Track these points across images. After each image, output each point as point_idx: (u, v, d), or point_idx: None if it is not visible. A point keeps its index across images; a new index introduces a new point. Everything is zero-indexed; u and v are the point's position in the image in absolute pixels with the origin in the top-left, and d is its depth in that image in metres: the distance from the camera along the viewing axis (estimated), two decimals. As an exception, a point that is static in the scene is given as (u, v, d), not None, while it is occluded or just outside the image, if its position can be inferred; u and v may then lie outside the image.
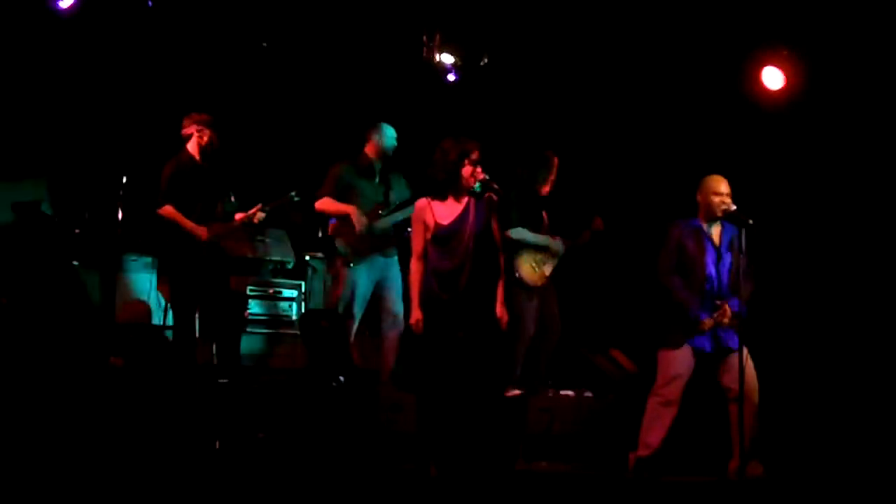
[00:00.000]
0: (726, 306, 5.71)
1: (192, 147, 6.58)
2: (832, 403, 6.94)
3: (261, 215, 6.60)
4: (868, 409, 6.82)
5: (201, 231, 6.46)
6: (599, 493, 5.57)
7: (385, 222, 6.86)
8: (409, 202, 6.78)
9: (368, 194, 6.92)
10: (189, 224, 6.46)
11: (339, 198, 6.87)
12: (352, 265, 6.83)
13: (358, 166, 6.97)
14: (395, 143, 6.98)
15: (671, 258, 5.81)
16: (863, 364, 7.16)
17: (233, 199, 6.73)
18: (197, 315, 6.65)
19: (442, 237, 5.36)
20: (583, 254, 7.42)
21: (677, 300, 5.73)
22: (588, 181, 9.03)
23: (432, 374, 5.32)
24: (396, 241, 7.03)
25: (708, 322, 5.68)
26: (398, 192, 6.98)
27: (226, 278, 6.81)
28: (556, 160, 7.25)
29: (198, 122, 6.55)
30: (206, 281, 6.50)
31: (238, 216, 6.64)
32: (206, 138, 6.53)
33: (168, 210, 6.48)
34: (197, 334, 6.66)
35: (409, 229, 5.72)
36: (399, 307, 6.88)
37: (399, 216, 6.84)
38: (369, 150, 6.99)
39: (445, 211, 5.40)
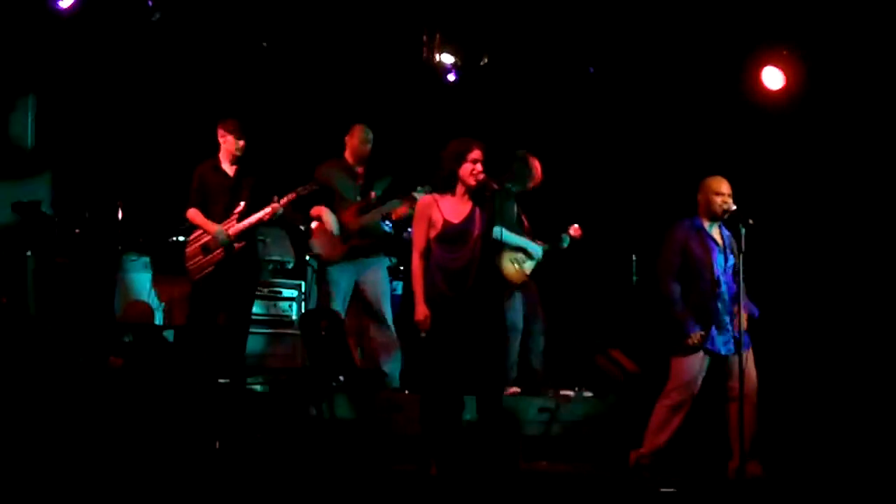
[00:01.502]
0: (745, 315, 5.68)
1: (221, 153, 6.66)
2: (832, 403, 6.94)
3: (277, 206, 6.58)
4: (868, 409, 6.82)
5: (211, 227, 6.49)
6: (599, 493, 5.57)
7: (364, 221, 6.86)
8: (388, 199, 6.82)
9: (349, 196, 6.95)
10: (204, 223, 6.52)
11: (320, 201, 6.91)
12: (328, 266, 6.88)
13: (339, 169, 7.01)
14: (370, 144, 7.01)
15: (674, 262, 5.73)
16: (863, 364, 7.16)
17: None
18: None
19: (451, 236, 5.34)
20: (569, 256, 7.42)
21: (674, 315, 5.69)
22: (587, 181, 9.04)
23: (438, 373, 5.31)
24: (382, 242, 7.05)
25: (695, 337, 5.65)
26: (381, 191, 7.01)
27: (251, 281, 6.79)
28: (535, 161, 7.22)
29: (224, 129, 6.63)
30: (228, 283, 6.51)
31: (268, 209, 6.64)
32: (231, 145, 6.60)
33: (190, 213, 6.58)
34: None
35: (410, 229, 5.71)
36: (383, 309, 6.89)
37: (376, 216, 6.86)
38: (347, 152, 7.06)
39: (453, 209, 5.39)
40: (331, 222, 6.82)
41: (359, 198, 6.99)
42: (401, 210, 6.84)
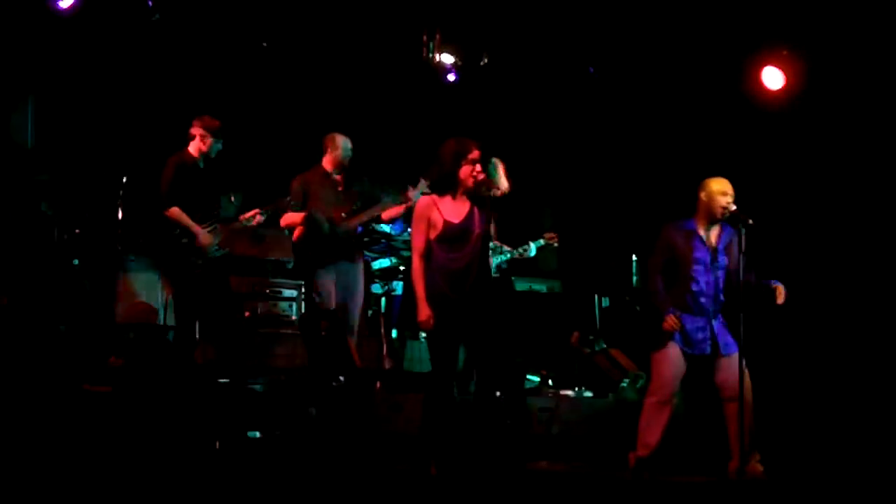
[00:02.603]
0: (780, 287, 5.68)
1: (192, 148, 6.61)
2: (832, 403, 6.94)
3: (259, 218, 6.63)
4: (868, 410, 6.82)
5: (205, 237, 6.48)
6: (599, 493, 5.57)
7: (348, 225, 6.87)
8: (374, 204, 6.83)
9: (330, 202, 6.94)
10: (196, 228, 6.49)
11: (302, 209, 6.91)
12: (314, 269, 6.87)
13: (317, 177, 7.00)
14: (350, 153, 7.01)
15: (658, 259, 5.83)
16: (862, 364, 7.16)
17: (232, 199, 6.74)
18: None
19: (452, 236, 5.34)
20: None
21: (655, 304, 5.74)
22: (587, 181, 9.05)
23: (440, 373, 5.30)
24: (362, 247, 7.07)
25: (670, 320, 5.66)
26: (363, 197, 7.02)
27: (227, 279, 6.83)
28: (504, 168, 7.18)
29: (204, 128, 6.58)
30: (210, 282, 6.51)
31: (242, 217, 6.66)
32: (206, 145, 6.57)
33: (174, 212, 6.51)
34: (197, 335, 6.67)
35: (409, 229, 5.71)
36: (356, 318, 6.90)
37: (364, 218, 6.87)
38: (325, 161, 7.03)
39: (453, 210, 5.38)
40: (322, 223, 6.81)
41: (342, 205, 6.97)
42: (395, 210, 6.84)
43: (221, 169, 6.74)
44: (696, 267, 5.76)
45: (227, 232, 6.62)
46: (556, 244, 7.25)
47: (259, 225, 6.83)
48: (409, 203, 6.66)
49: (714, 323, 5.77)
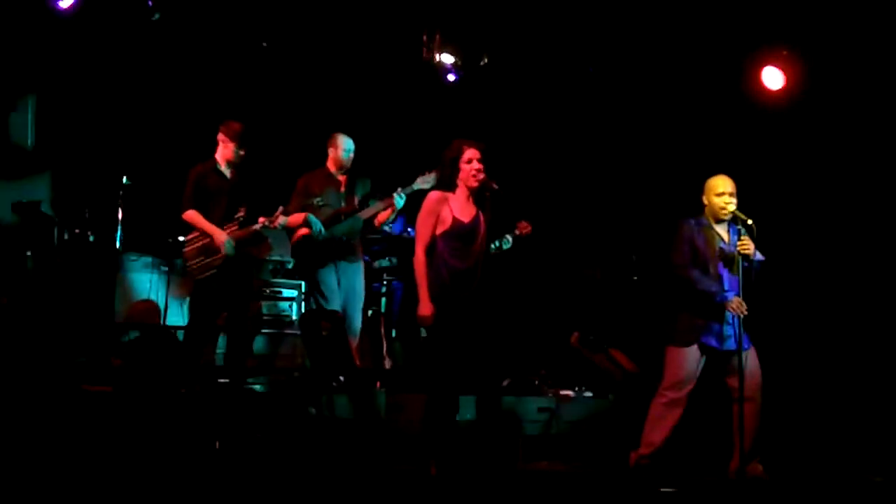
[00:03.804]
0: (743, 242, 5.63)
1: (218, 154, 6.65)
2: (832, 403, 6.94)
3: (282, 218, 6.62)
4: (868, 410, 6.82)
5: (219, 234, 6.49)
6: (599, 493, 5.57)
7: (347, 225, 6.89)
8: (369, 202, 6.85)
9: (333, 203, 6.97)
10: (211, 228, 6.50)
11: (304, 210, 6.93)
12: (315, 268, 6.88)
13: (321, 178, 7.04)
14: (351, 153, 7.04)
15: (686, 252, 5.74)
16: (863, 364, 7.16)
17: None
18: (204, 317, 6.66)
19: (462, 234, 5.32)
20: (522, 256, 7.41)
21: (701, 289, 5.66)
22: (587, 181, 9.05)
23: (444, 372, 5.28)
24: (361, 247, 7.09)
25: (736, 300, 5.62)
26: (362, 194, 7.05)
27: (250, 281, 6.83)
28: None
29: (225, 133, 6.61)
30: (230, 285, 6.51)
31: (261, 219, 6.65)
32: (229, 151, 6.59)
33: (189, 215, 6.54)
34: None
35: (409, 228, 5.70)
36: (357, 319, 6.92)
37: (362, 216, 6.89)
38: (329, 161, 7.06)
39: (463, 209, 5.37)
40: (315, 228, 6.82)
41: (342, 204, 7.00)
42: (384, 216, 6.86)
43: (247, 176, 6.73)
44: (720, 264, 5.74)
45: (243, 233, 6.61)
46: (528, 233, 7.21)
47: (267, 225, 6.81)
48: (393, 207, 6.70)
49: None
